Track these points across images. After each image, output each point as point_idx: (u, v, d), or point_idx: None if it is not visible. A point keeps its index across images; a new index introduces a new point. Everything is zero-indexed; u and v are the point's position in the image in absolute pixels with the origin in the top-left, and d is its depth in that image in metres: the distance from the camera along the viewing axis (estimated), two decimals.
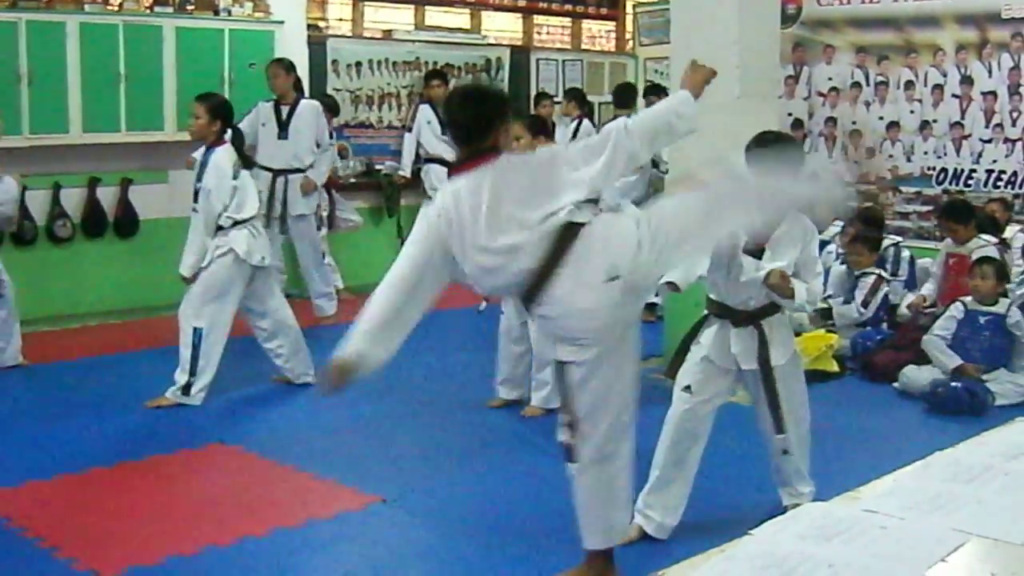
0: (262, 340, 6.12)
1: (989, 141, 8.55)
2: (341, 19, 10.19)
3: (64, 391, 6.13)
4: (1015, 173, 8.43)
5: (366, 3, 10.29)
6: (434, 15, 10.71)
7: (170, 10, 8.11)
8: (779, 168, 3.80)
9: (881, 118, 9.18)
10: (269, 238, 7.60)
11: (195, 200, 5.80)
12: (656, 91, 9.08)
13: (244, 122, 7.69)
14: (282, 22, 8.64)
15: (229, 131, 5.93)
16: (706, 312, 4.21)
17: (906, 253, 7.67)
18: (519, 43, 11.33)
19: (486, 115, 3.57)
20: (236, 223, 5.81)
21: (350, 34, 10.06)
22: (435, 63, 9.95)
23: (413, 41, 10.06)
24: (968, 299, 6.29)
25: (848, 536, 1.94)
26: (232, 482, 4.84)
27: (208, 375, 5.82)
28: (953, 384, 5.94)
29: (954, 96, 8.74)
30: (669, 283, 3.98)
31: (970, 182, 8.66)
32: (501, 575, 3.91)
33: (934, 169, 8.88)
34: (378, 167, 9.70)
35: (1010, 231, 7.43)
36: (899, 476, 2.29)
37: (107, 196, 8.14)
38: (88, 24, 7.60)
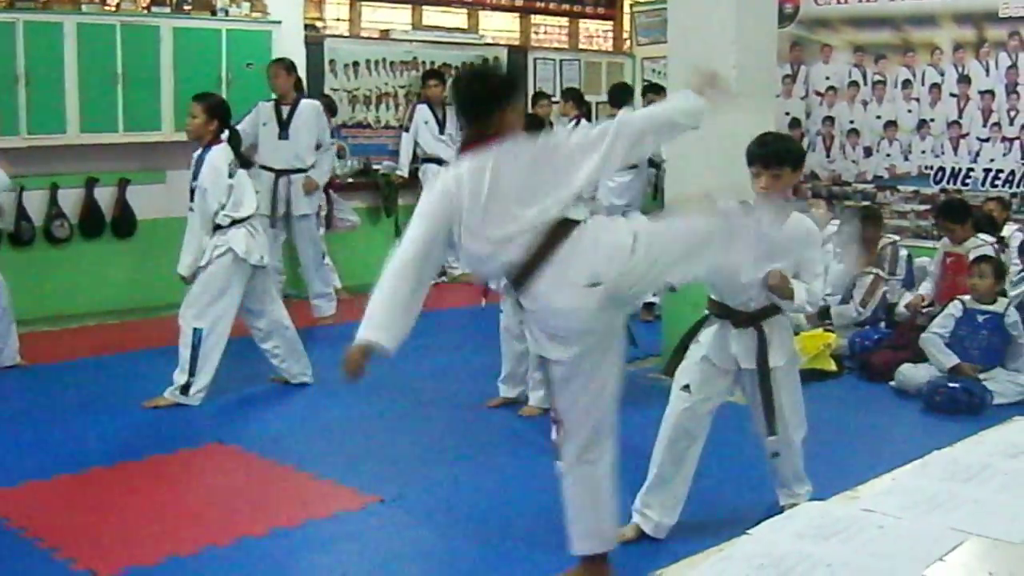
0: (258, 340, 6.12)
1: (987, 140, 8.56)
2: (338, 19, 10.19)
3: (63, 391, 6.13)
4: (1012, 172, 8.43)
5: (363, 3, 10.29)
6: (431, 15, 10.71)
7: (167, 10, 8.11)
8: (774, 211, 3.79)
9: (879, 117, 9.18)
10: (271, 238, 7.65)
11: (191, 199, 5.80)
12: (655, 90, 9.08)
13: (245, 122, 7.70)
14: (279, 22, 8.63)
15: (226, 131, 5.93)
16: (706, 312, 4.21)
17: (904, 252, 7.67)
18: (516, 43, 11.33)
19: (490, 96, 3.55)
20: (234, 222, 5.80)
21: (347, 34, 10.06)
22: (432, 63, 9.95)
23: (410, 41, 10.07)
24: (967, 298, 6.30)
25: (846, 535, 1.94)
26: (231, 482, 4.84)
27: (207, 376, 5.82)
28: (951, 385, 5.95)
29: (951, 95, 8.74)
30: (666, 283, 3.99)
31: (968, 181, 8.66)
32: (500, 575, 3.91)
33: (932, 168, 8.88)
34: (376, 167, 9.70)
35: (1008, 230, 7.43)
36: (897, 475, 2.29)
37: (105, 196, 8.13)
38: (85, 24, 7.60)
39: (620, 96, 9.64)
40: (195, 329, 5.77)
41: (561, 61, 11.26)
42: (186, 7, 8.21)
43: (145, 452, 5.13)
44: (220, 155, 5.78)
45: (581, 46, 12.05)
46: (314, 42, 9.29)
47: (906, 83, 8.98)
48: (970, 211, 7.19)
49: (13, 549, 4.02)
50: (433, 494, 4.65)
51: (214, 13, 8.35)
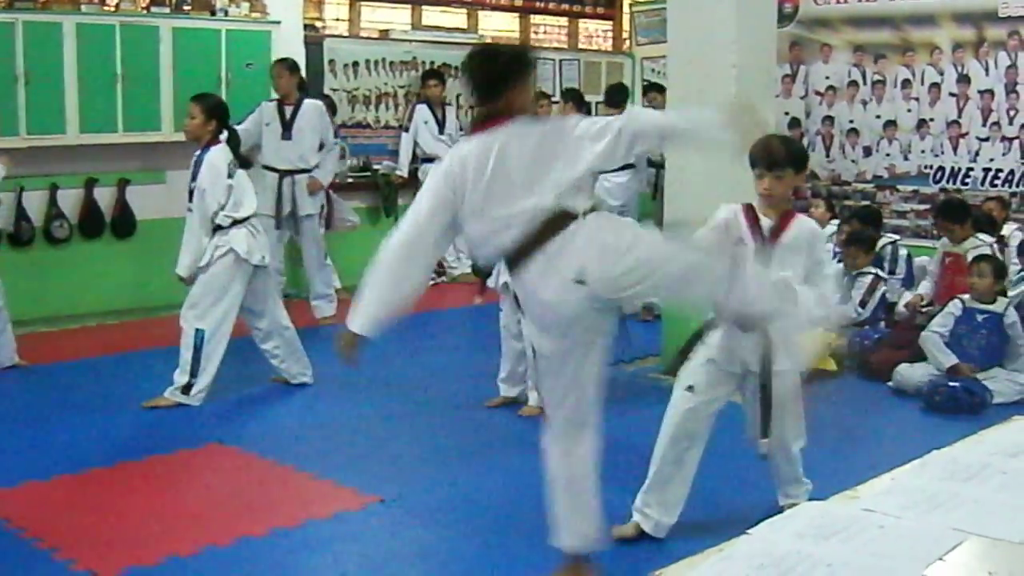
0: (258, 341, 6.12)
1: (986, 139, 8.56)
2: (338, 19, 10.19)
3: (62, 392, 6.13)
4: (1012, 171, 8.43)
5: (363, 3, 10.29)
6: (431, 15, 10.71)
7: (167, 10, 8.11)
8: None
9: (878, 117, 9.18)
10: (274, 239, 7.66)
11: (190, 200, 5.80)
12: (657, 89, 9.08)
13: (248, 122, 7.70)
14: (279, 22, 8.63)
15: (225, 131, 5.92)
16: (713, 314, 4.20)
17: (903, 251, 7.67)
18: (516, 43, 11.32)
19: (499, 74, 3.54)
20: (235, 222, 5.80)
21: (347, 34, 10.06)
22: (432, 63, 9.95)
23: (410, 41, 10.07)
24: (966, 297, 6.30)
25: (846, 535, 1.94)
26: (231, 482, 4.84)
27: (208, 376, 5.82)
28: (952, 384, 5.95)
29: (951, 95, 8.74)
30: None
31: (967, 180, 8.66)
32: (500, 575, 3.91)
33: (931, 168, 8.88)
34: (375, 167, 9.70)
35: (1007, 229, 7.43)
36: (897, 475, 2.29)
37: (104, 197, 8.13)
38: (84, 24, 7.60)
39: (617, 96, 9.64)
40: (197, 330, 5.77)
41: (560, 61, 11.26)
42: (185, 7, 8.20)
43: (145, 452, 5.13)
44: (219, 156, 5.78)
45: (581, 46, 12.05)
46: (313, 42, 9.29)
47: (905, 83, 8.99)
48: (969, 211, 7.19)
49: (13, 550, 4.02)
50: (433, 494, 4.65)
51: (213, 13, 8.35)
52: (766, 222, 4.10)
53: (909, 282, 7.53)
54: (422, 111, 9.52)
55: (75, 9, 7.64)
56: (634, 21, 11.93)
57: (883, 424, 5.80)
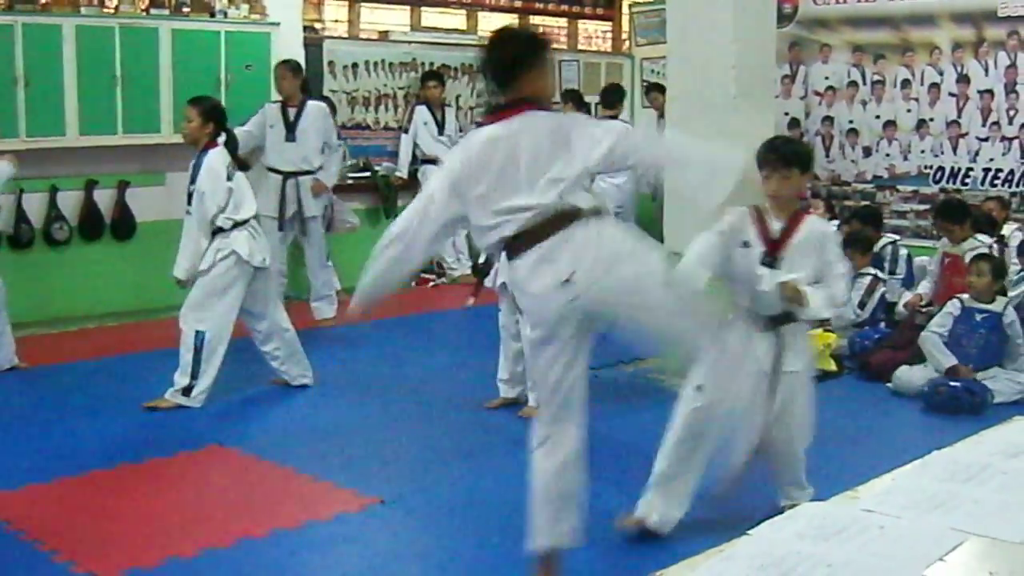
0: (258, 343, 6.11)
1: (986, 139, 8.57)
2: (337, 20, 10.19)
3: (62, 394, 6.13)
4: (1012, 171, 8.44)
5: (362, 4, 10.29)
6: (430, 16, 10.71)
7: (166, 12, 8.10)
8: None
9: (878, 117, 9.19)
10: (277, 241, 7.67)
11: (189, 203, 5.80)
12: (659, 89, 9.08)
13: (251, 123, 7.71)
14: (278, 24, 8.63)
15: (223, 133, 5.92)
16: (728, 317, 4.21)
17: (903, 251, 7.67)
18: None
19: (513, 58, 3.52)
20: (236, 224, 5.80)
21: (346, 35, 10.06)
22: (431, 64, 9.95)
23: (409, 42, 10.06)
24: (965, 296, 6.29)
25: (846, 536, 1.94)
26: (231, 484, 4.84)
27: (209, 378, 5.81)
28: (953, 384, 5.95)
29: (951, 95, 8.75)
30: None
31: (967, 180, 8.67)
32: None
33: (931, 168, 8.89)
34: (375, 168, 9.70)
35: (1007, 229, 7.43)
36: (897, 475, 2.29)
37: (104, 198, 8.13)
38: (84, 26, 7.59)
39: (612, 97, 9.64)
40: (197, 332, 5.76)
41: (560, 62, 11.25)
42: (185, 9, 8.20)
43: (145, 454, 5.13)
44: (217, 158, 5.78)
45: (580, 47, 12.05)
46: (313, 43, 9.29)
47: (905, 83, 8.99)
48: (968, 211, 7.19)
49: (13, 552, 4.02)
50: (433, 495, 4.65)
51: (213, 15, 8.34)
52: (775, 224, 4.09)
53: (909, 282, 7.53)
54: (422, 112, 9.53)
55: (74, 11, 7.63)
56: (633, 22, 11.94)
57: (883, 424, 5.80)
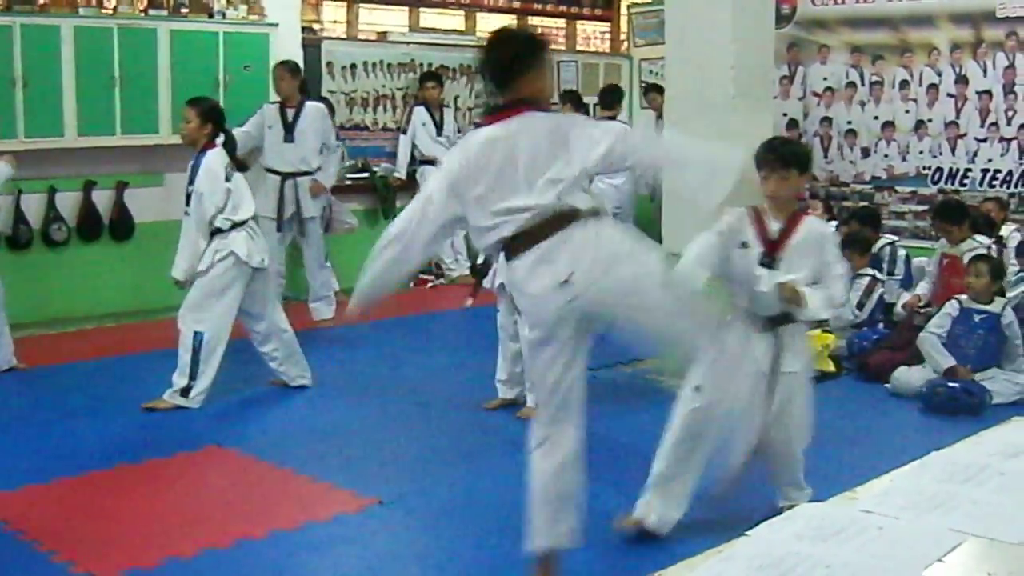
0: (256, 343, 6.11)
1: (984, 140, 8.57)
2: (336, 21, 10.18)
3: (61, 395, 6.12)
4: (1010, 172, 8.44)
5: (361, 5, 10.29)
6: (429, 17, 10.71)
7: (164, 13, 8.10)
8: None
9: (876, 118, 9.19)
10: (275, 242, 7.67)
11: (187, 203, 5.80)
12: (657, 90, 9.08)
13: (249, 124, 7.71)
14: (276, 24, 8.62)
15: (221, 134, 5.92)
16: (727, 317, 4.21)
17: (902, 252, 7.68)
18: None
19: (509, 60, 3.52)
20: (234, 225, 5.80)
21: (345, 36, 10.06)
22: (430, 65, 9.95)
23: (408, 43, 10.06)
24: (964, 297, 6.30)
25: (845, 536, 1.94)
26: (229, 485, 4.84)
27: (207, 379, 5.81)
28: (951, 384, 5.95)
29: (949, 95, 8.75)
30: None
31: (965, 181, 8.67)
32: None
33: (929, 168, 8.89)
34: (374, 169, 9.70)
35: (1006, 230, 7.43)
36: (896, 476, 2.29)
37: (102, 199, 8.12)
38: (82, 27, 7.59)
39: (610, 98, 9.63)
40: (196, 332, 5.76)
41: (559, 62, 11.24)
42: (183, 10, 8.20)
43: (144, 455, 5.13)
44: (216, 159, 5.78)
45: (578, 47, 12.05)
46: (311, 44, 9.29)
47: (904, 84, 8.99)
48: (967, 212, 7.19)
49: (12, 553, 4.02)
50: (432, 496, 4.65)
51: (211, 16, 8.34)
52: (774, 225, 4.09)
53: (908, 283, 7.53)
54: (420, 113, 9.53)
55: (73, 12, 7.63)
56: (632, 22, 11.94)
57: (882, 425, 5.80)
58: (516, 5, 11.47)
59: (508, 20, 11.54)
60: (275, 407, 6.04)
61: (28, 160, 7.29)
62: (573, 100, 9.63)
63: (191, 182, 5.77)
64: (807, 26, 9.52)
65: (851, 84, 9.32)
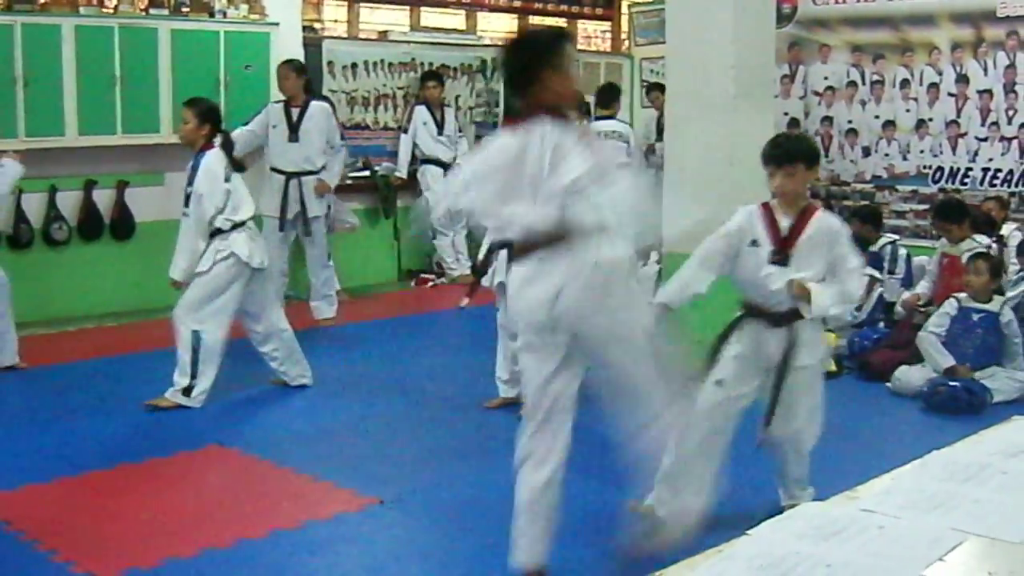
0: (256, 344, 6.11)
1: (985, 139, 8.56)
2: (336, 20, 10.18)
3: (62, 394, 6.13)
4: (1011, 171, 8.43)
5: (361, 4, 10.29)
6: (429, 16, 10.71)
7: (165, 12, 8.10)
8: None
9: (877, 117, 9.18)
10: (279, 241, 7.68)
11: (186, 204, 5.80)
12: (660, 88, 9.07)
13: (254, 123, 7.72)
14: (277, 24, 8.63)
15: (219, 135, 5.92)
16: (739, 313, 4.20)
17: (903, 251, 7.67)
18: None
19: (523, 66, 3.48)
20: (235, 226, 5.80)
21: (346, 35, 10.06)
22: (431, 64, 9.95)
23: (409, 42, 10.06)
24: (962, 295, 6.29)
25: (846, 536, 1.94)
26: (230, 484, 4.84)
27: (209, 379, 5.81)
28: (952, 383, 5.95)
29: (950, 95, 8.74)
30: (661, 304, 4.03)
31: (966, 180, 8.66)
32: None
33: (930, 168, 8.88)
34: (374, 168, 9.70)
35: (1006, 229, 7.43)
36: (897, 475, 2.29)
37: (103, 198, 8.13)
38: (83, 27, 7.60)
39: (607, 97, 9.62)
40: (195, 332, 5.76)
41: None
42: (184, 9, 8.20)
43: (144, 454, 5.13)
44: (215, 160, 5.78)
45: (579, 47, 12.03)
46: (312, 43, 9.28)
47: (904, 83, 8.98)
48: (967, 211, 7.18)
49: (13, 552, 4.02)
50: (432, 495, 4.65)
51: (212, 15, 8.34)
52: (784, 221, 4.08)
53: (908, 282, 7.52)
54: (421, 112, 9.53)
55: (74, 11, 7.63)
56: (633, 22, 11.94)
57: (883, 424, 5.80)
58: (517, 4, 11.47)
59: (509, 19, 11.55)
60: (276, 406, 6.03)
61: (29, 159, 7.26)
62: None
63: (190, 183, 5.77)
64: (808, 25, 9.51)
65: (852, 83, 9.31)
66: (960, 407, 5.82)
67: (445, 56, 10.15)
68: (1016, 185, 8.40)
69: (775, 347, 4.07)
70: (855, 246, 6.91)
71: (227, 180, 5.78)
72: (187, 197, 5.78)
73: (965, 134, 8.66)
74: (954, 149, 8.73)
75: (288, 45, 8.61)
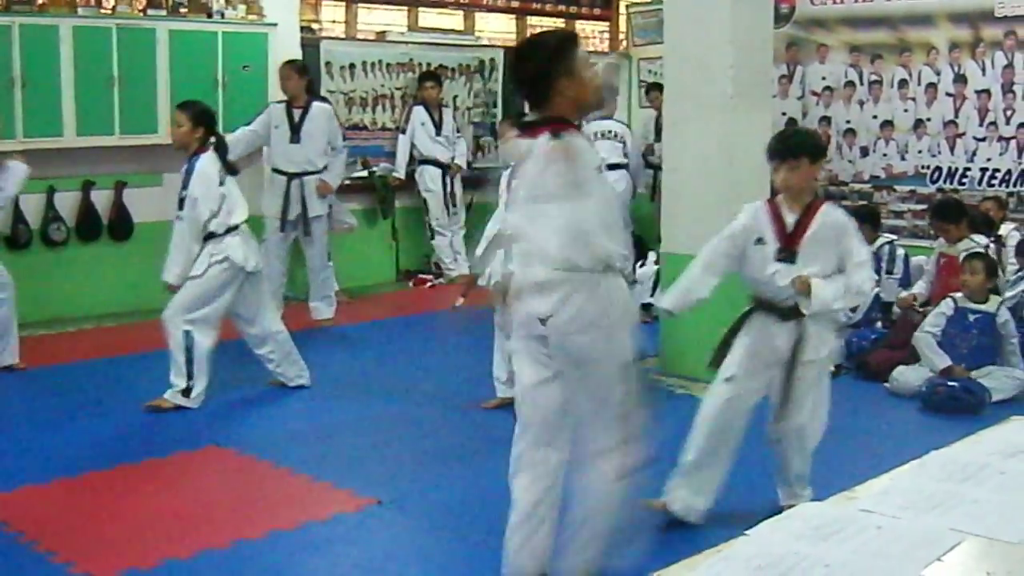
0: (252, 346, 6.11)
1: (983, 139, 8.56)
2: (334, 21, 10.17)
3: (60, 395, 6.12)
4: (1009, 171, 8.43)
5: (359, 5, 10.28)
6: (427, 16, 10.70)
7: (163, 13, 8.10)
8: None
9: (875, 117, 9.18)
10: (279, 241, 7.67)
11: (179, 208, 5.79)
12: (659, 88, 9.08)
13: (256, 123, 7.72)
14: (275, 24, 8.63)
15: (213, 138, 5.90)
16: (750, 307, 4.20)
17: (901, 251, 7.67)
18: (513, 44, 11.31)
19: (530, 78, 3.37)
20: (229, 229, 5.80)
21: (343, 36, 10.05)
22: (429, 64, 9.94)
23: (407, 43, 10.05)
24: (959, 295, 6.29)
25: (844, 536, 1.94)
26: (228, 485, 4.84)
27: (205, 378, 5.81)
28: (951, 383, 5.95)
29: (948, 95, 8.74)
30: (664, 309, 4.04)
31: (964, 180, 8.66)
32: None
33: (928, 168, 8.88)
34: (373, 169, 9.69)
35: (1004, 229, 7.43)
36: (895, 475, 2.29)
37: (101, 199, 8.12)
38: (81, 27, 7.59)
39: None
40: (187, 333, 5.76)
41: None
42: (182, 10, 8.20)
43: (142, 455, 5.13)
44: (209, 163, 5.78)
45: None
46: (310, 44, 9.27)
47: (902, 83, 8.99)
48: (964, 211, 7.19)
49: (11, 553, 4.02)
50: (430, 496, 4.65)
51: (210, 16, 8.34)
52: (789, 217, 4.08)
53: (906, 282, 7.53)
54: (419, 113, 9.53)
55: (71, 12, 7.63)
56: (631, 22, 11.93)
57: (881, 424, 5.80)
58: (515, 5, 11.46)
59: (507, 20, 11.55)
60: (274, 407, 6.03)
61: (27, 160, 7.27)
62: None
63: (184, 187, 5.76)
64: (806, 25, 9.52)
65: (850, 83, 9.32)
66: (959, 407, 5.82)
67: (443, 57, 10.15)
68: (1014, 185, 8.40)
69: (784, 341, 4.07)
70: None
71: (221, 184, 5.78)
72: (181, 201, 5.77)
73: (963, 134, 8.66)
74: (952, 149, 8.73)
75: (286, 46, 8.61)
